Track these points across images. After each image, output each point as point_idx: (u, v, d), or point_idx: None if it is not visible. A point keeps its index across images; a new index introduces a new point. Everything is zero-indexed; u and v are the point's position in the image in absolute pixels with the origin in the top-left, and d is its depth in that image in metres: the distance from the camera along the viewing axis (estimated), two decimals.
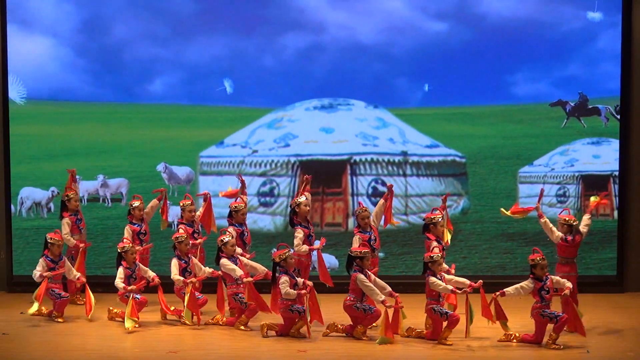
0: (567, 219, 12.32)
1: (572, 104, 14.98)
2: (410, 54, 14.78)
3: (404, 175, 14.98)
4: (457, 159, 15.07)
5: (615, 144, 14.95)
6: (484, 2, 14.76)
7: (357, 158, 14.96)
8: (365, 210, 12.55)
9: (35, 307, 12.71)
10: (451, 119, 15.04)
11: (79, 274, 13.00)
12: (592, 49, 14.80)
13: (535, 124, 15.08)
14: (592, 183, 15.01)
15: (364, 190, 14.93)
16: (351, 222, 14.81)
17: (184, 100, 14.95)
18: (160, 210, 13.78)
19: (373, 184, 14.92)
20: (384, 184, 14.78)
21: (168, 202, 13.82)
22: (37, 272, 12.77)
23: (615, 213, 14.90)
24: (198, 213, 13.49)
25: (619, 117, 14.88)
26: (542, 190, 12.87)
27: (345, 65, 14.86)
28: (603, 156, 15.03)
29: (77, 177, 14.18)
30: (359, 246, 12.20)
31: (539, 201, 12.56)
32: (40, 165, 15.07)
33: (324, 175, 14.64)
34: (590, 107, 15.00)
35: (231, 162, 15.03)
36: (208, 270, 12.68)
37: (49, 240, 12.86)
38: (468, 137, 15.07)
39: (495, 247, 15.02)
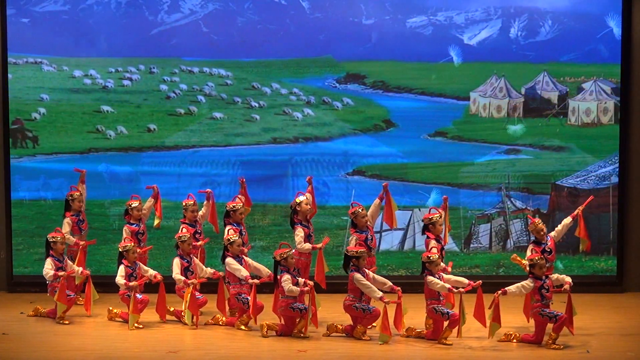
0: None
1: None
2: None
3: (345, 175, 14.99)
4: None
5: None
6: None
7: (298, 158, 14.98)
8: (364, 210, 12.53)
9: (62, 308, 12.52)
10: None
11: (81, 268, 12.88)
12: None
13: None
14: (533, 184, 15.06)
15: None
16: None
17: None
18: (154, 208, 13.75)
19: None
20: (325, 184, 14.89)
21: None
22: (50, 272, 12.60)
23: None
24: (200, 212, 13.43)
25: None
26: (591, 197, 13.11)
27: None
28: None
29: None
30: (355, 246, 12.19)
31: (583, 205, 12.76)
32: None
33: (265, 175, 14.67)
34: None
35: (171, 161, 15.01)
36: (209, 270, 12.65)
37: (50, 240, 12.78)
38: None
39: None
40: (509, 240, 14.96)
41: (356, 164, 14.97)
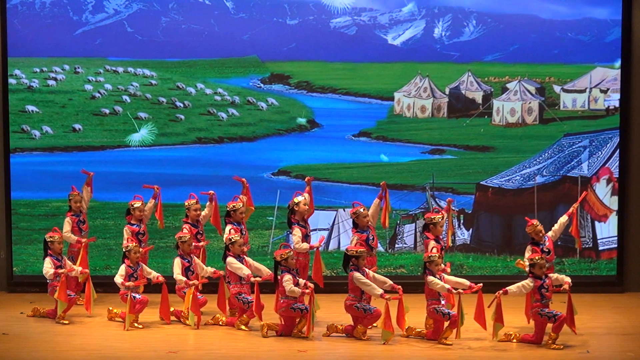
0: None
1: None
2: None
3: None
4: None
5: None
6: None
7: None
8: (365, 209, 12.53)
9: (63, 306, 12.50)
10: None
11: (80, 268, 12.84)
12: None
13: None
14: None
15: None
16: None
17: None
18: (155, 210, 13.70)
19: None
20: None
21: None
22: (50, 270, 12.56)
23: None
24: (203, 213, 13.39)
25: None
26: (585, 193, 13.04)
27: None
28: None
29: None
30: (355, 245, 12.20)
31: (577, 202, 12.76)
32: None
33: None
34: None
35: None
36: (210, 270, 12.65)
37: (48, 240, 12.74)
38: None
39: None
40: None
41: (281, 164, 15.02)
